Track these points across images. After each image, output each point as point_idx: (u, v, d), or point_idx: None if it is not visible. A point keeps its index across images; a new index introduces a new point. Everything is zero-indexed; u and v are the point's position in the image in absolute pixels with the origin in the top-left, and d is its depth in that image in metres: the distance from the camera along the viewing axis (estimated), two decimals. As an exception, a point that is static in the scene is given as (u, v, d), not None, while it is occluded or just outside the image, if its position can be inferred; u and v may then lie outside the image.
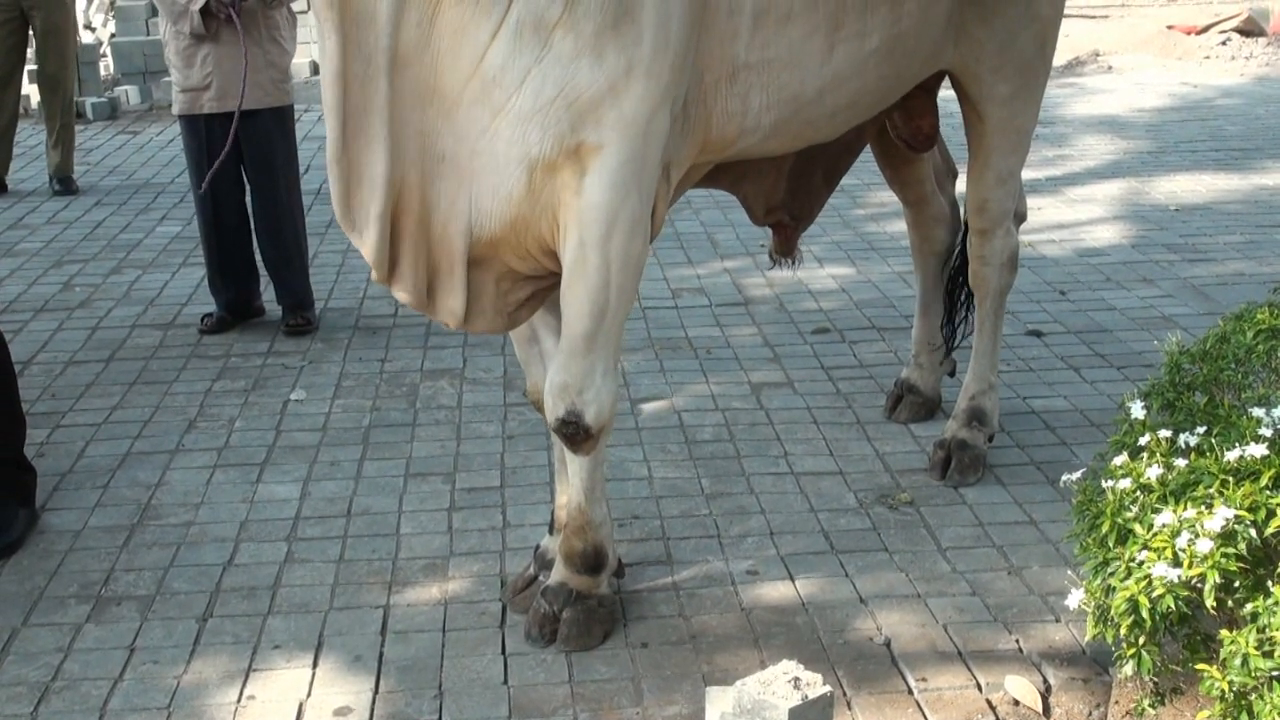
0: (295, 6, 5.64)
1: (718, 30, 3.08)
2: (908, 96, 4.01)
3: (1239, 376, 2.66)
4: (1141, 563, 2.18)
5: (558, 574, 3.37)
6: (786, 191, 4.02)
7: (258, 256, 5.78)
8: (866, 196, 7.61)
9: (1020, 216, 4.30)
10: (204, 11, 5.22)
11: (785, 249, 4.24)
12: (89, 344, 5.51)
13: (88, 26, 13.40)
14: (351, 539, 3.84)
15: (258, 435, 4.58)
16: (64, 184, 8.17)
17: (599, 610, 3.34)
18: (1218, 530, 2.12)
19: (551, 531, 3.61)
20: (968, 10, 3.70)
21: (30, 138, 9.83)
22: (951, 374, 4.61)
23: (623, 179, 2.93)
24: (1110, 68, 11.84)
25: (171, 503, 4.09)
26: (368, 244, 2.99)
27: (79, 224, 7.45)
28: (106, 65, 11.85)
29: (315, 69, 11.16)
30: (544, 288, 3.24)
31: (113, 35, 12.52)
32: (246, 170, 5.54)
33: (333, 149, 2.90)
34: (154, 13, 12.10)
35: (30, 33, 7.98)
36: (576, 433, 3.16)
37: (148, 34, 11.93)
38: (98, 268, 6.60)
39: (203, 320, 5.73)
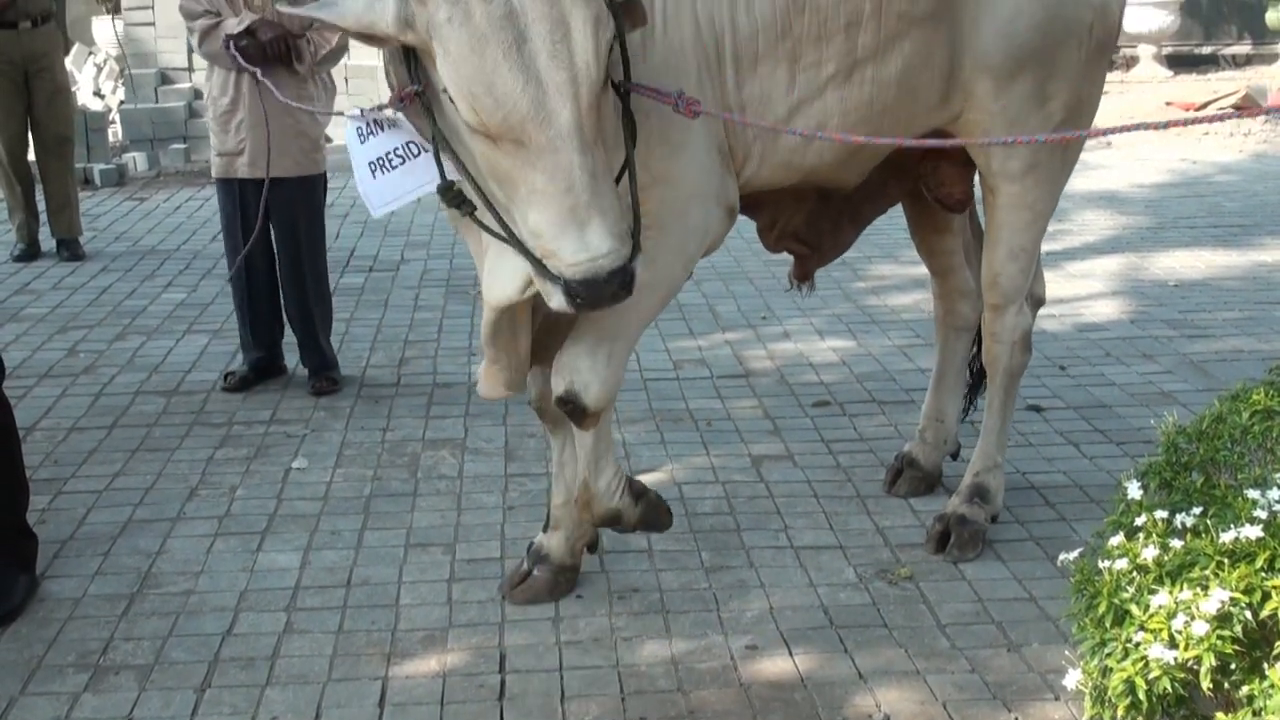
0: (335, 72, 5.75)
1: (713, 80, 3.38)
2: (938, 167, 4.08)
3: (1235, 456, 2.68)
4: (1138, 644, 2.19)
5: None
6: (803, 224, 4.08)
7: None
8: (868, 269, 7.66)
9: (1038, 300, 4.30)
10: (239, 50, 5.30)
11: (802, 275, 4.33)
12: (92, 410, 5.53)
13: (97, 93, 13.53)
14: (351, 609, 3.84)
15: (259, 503, 4.59)
16: (71, 249, 8.23)
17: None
18: (1213, 612, 2.14)
19: (546, 529, 3.95)
20: (978, 76, 3.73)
21: (37, 203, 9.90)
22: (954, 456, 4.62)
23: (660, 220, 3.26)
24: (1109, 143, 11.94)
25: (171, 571, 4.10)
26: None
27: (85, 290, 7.49)
28: (115, 132, 11.96)
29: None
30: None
31: (122, 102, 12.65)
32: (274, 235, 5.64)
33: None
34: (163, 81, 12.26)
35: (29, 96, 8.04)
36: (575, 410, 3.48)
37: (156, 101, 12.07)
38: (102, 334, 6.64)
39: (226, 378, 5.81)
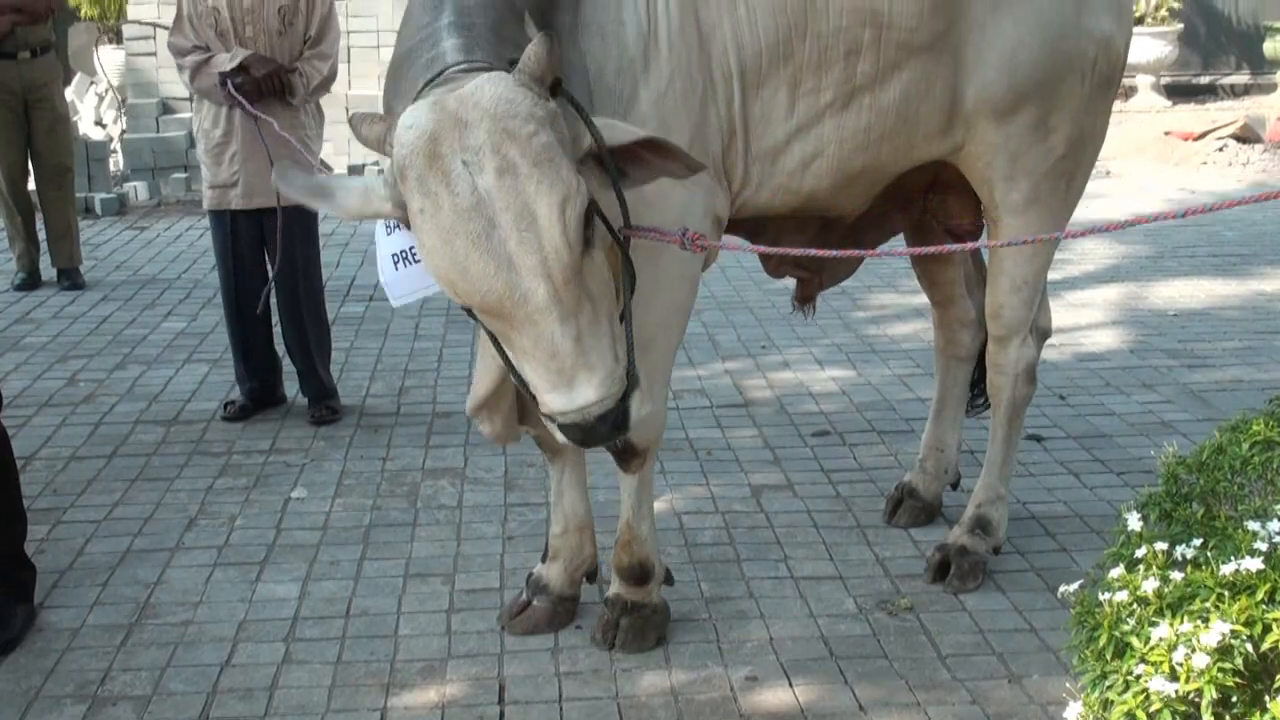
0: (336, 105, 5.78)
1: (718, 98, 3.41)
2: (945, 199, 4.11)
3: (1235, 488, 2.67)
4: (1139, 676, 2.18)
5: (613, 587, 3.83)
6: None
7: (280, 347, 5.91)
8: (867, 299, 7.67)
9: (1043, 332, 4.29)
10: (235, 87, 5.33)
11: (804, 297, 4.35)
12: (92, 439, 5.53)
13: (98, 123, 13.56)
14: (350, 640, 3.83)
15: (258, 533, 4.58)
16: (72, 278, 8.25)
17: (652, 617, 3.80)
18: (1214, 645, 2.13)
19: (544, 560, 3.97)
20: (980, 108, 3.74)
21: (39, 232, 9.91)
22: (954, 486, 4.61)
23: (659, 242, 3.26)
24: (1109, 173, 11.96)
25: (170, 601, 4.09)
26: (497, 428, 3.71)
27: (85, 319, 7.50)
28: (116, 161, 11.98)
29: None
30: None
31: (123, 132, 12.68)
32: (270, 265, 5.65)
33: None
34: (164, 110, 12.30)
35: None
36: (624, 450, 3.56)
37: (158, 131, 12.09)
38: (102, 363, 6.64)
39: (225, 408, 5.81)
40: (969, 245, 3.74)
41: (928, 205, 4.17)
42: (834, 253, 3.47)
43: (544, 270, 2.61)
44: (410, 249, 3.23)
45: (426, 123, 2.63)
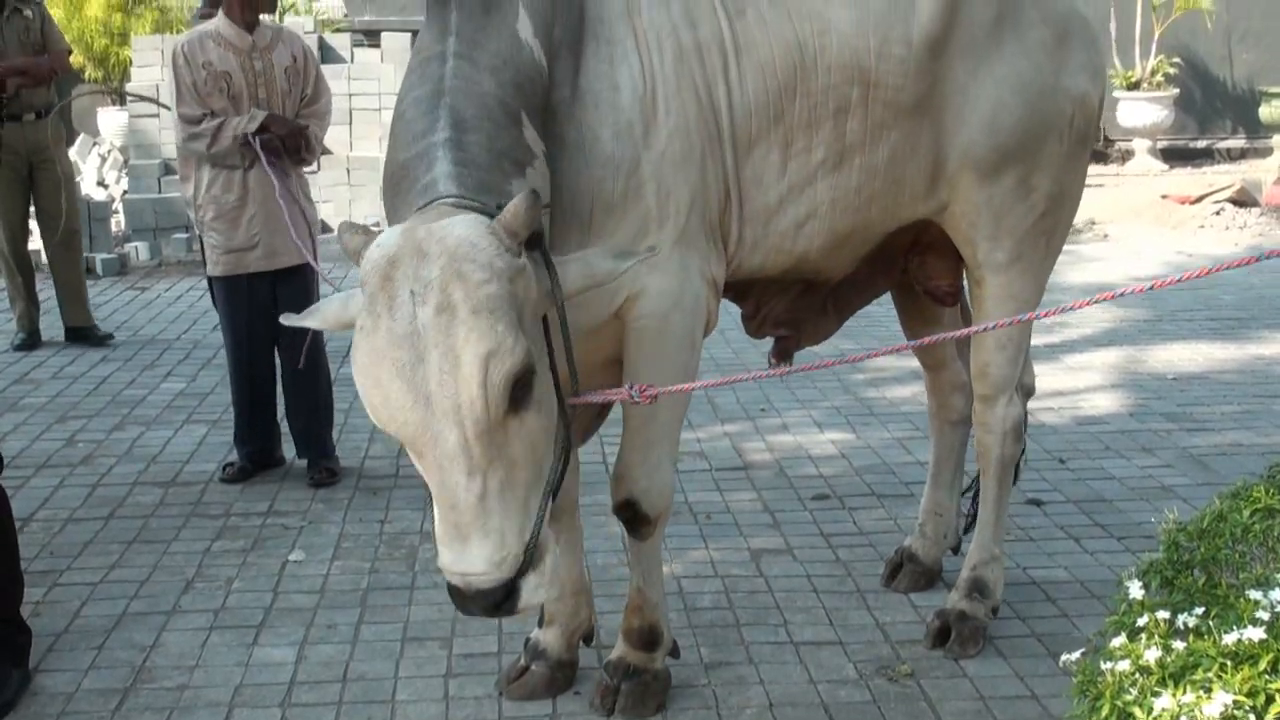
0: (338, 164, 5.86)
1: (716, 159, 3.44)
2: (925, 259, 4.12)
3: (1236, 556, 2.66)
4: (1142, 747, 2.17)
5: (618, 650, 3.79)
6: (785, 312, 4.09)
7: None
8: (865, 362, 7.67)
9: (1028, 389, 4.31)
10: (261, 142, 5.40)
11: (781, 354, 4.31)
12: (89, 501, 5.52)
13: (100, 183, 13.63)
14: (347, 705, 3.81)
15: (255, 597, 4.56)
16: (87, 335, 8.30)
17: (653, 684, 3.76)
18: (1217, 715, 2.11)
19: (541, 624, 3.94)
20: (963, 168, 3.77)
21: (40, 291, 9.93)
22: (955, 550, 4.60)
23: (660, 307, 3.38)
24: (1106, 236, 12.01)
25: (166, 665, 4.07)
26: None
27: (84, 379, 7.50)
28: (117, 222, 12.03)
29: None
30: (595, 415, 3.73)
31: (125, 192, 12.74)
32: (279, 326, 5.64)
33: None
34: (167, 171, 12.36)
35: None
36: (635, 518, 3.56)
37: (160, 191, 12.15)
38: (101, 424, 6.64)
39: (224, 469, 5.81)
40: (970, 330, 3.80)
41: (908, 266, 4.20)
42: (870, 352, 3.41)
43: (457, 417, 2.60)
44: None
45: (392, 246, 2.66)
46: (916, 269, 4.18)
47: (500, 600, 2.71)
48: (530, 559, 2.72)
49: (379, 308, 2.63)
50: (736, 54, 3.43)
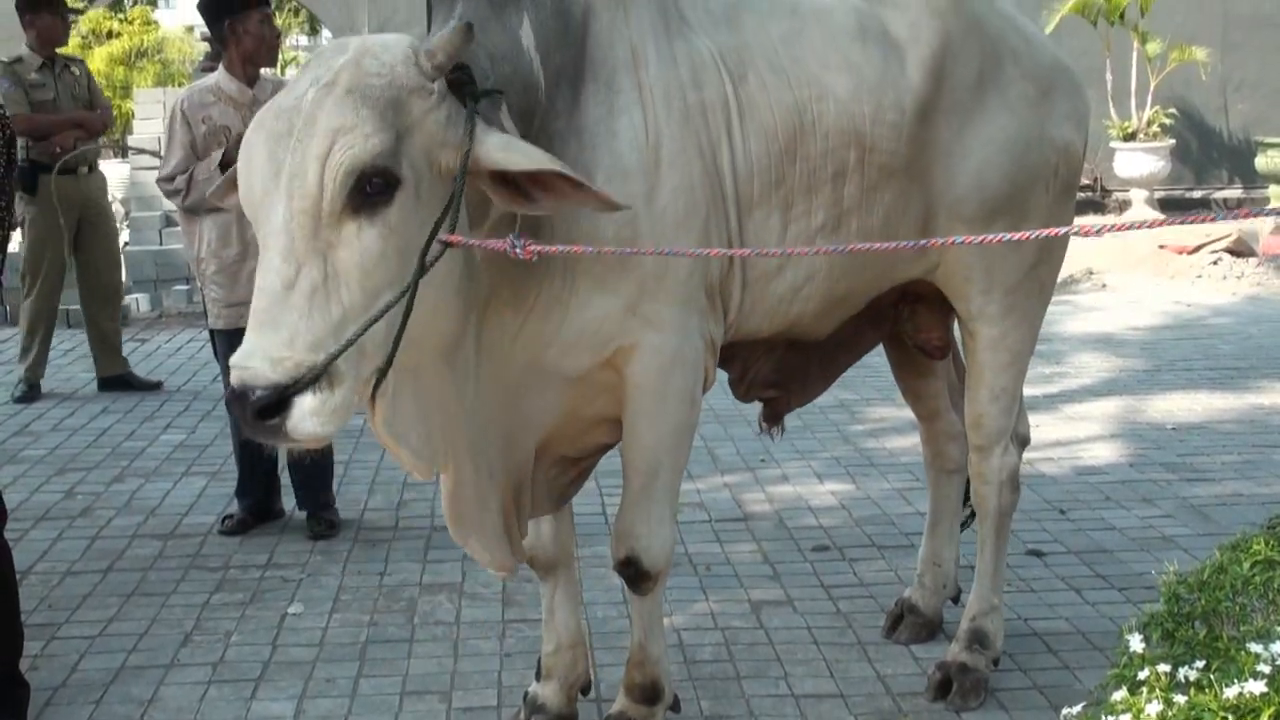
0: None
1: (719, 220, 3.42)
2: (915, 312, 4.12)
3: (1237, 608, 2.66)
4: (1144, 801, 2.16)
5: (619, 704, 3.77)
6: (773, 373, 4.10)
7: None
8: (865, 412, 7.68)
9: (1023, 439, 4.32)
10: (223, 164, 5.41)
11: (772, 418, 4.33)
12: (88, 554, 5.51)
13: (102, 235, 13.68)
14: (345, 760, 3.79)
15: (254, 650, 4.55)
16: (129, 381, 8.39)
17: None
18: (1219, 769, 2.11)
19: (539, 678, 3.92)
20: (954, 227, 3.80)
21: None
22: (955, 601, 4.59)
23: (659, 364, 3.35)
24: (1104, 285, 12.05)
25: (164, 719, 4.04)
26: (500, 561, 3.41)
27: (84, 431, 7.50)
28: (118, 273, 12.05)
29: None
30: (589, 466, 3.69)
31: (125, 244, 12.77)
32: None
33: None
34: (167, 223, 12.41)
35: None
36: (636, 574, 3.54)
37: (160, 244, 12.19)
38: (100, 476, 6.63)
39: (223, 521, 5.80)
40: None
41: (898, 319, 4.21)
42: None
43: (289, 188, 2.58)
44: None
45: (332, 42, 2.75)
46: (907, 323, 4.21)
47: (267, 406, 2.51)
48: (317, 378, 2.54)
49: (292, 80, 2.71)
50: (740, 117, 3.44)
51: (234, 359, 2.54)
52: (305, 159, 2.57)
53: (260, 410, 2.51)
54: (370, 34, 2.74)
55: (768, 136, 3.46)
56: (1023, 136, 3.83)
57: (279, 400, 2.52)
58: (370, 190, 2.61)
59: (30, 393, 8.26)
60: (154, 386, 8.49)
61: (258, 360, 2.52)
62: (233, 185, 2.94)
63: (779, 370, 4.08)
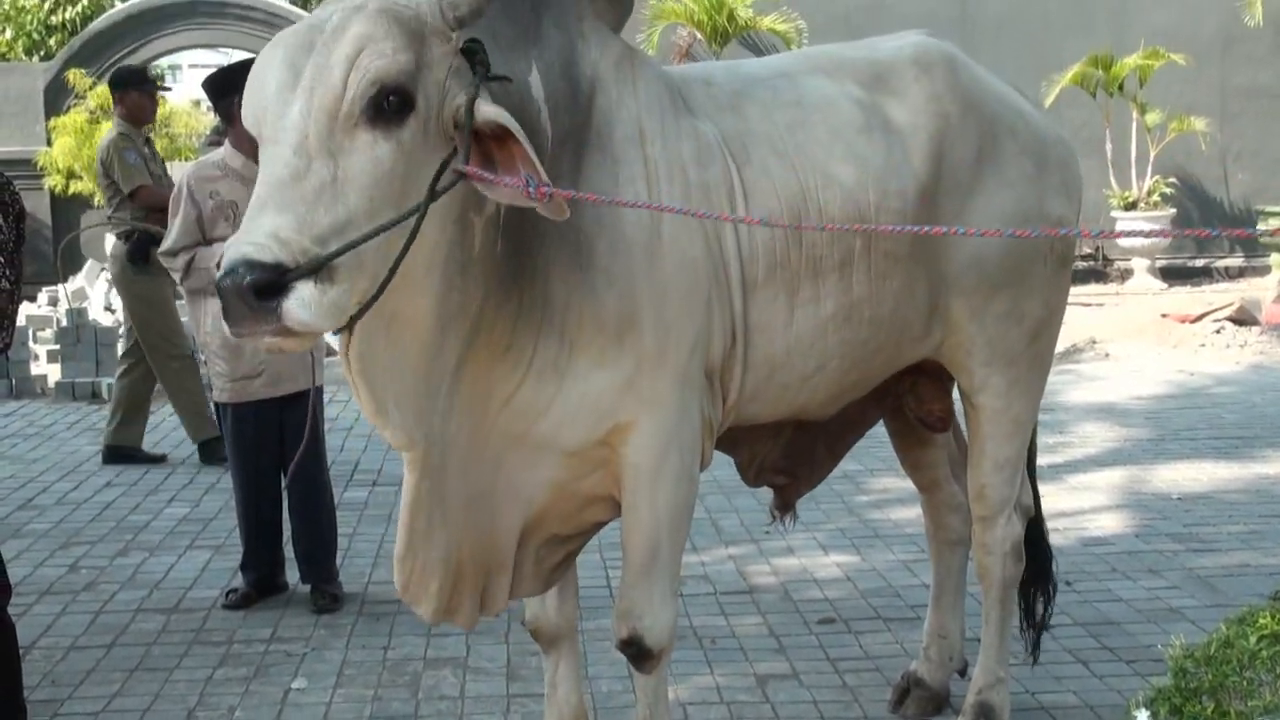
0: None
1: (722, 300, 3.43)
2: (916, 384, 4.13)
3: (1244, 683, 2.65)
4: None
5: None
6: (781, 457, 4.10)
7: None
8: (870, 483, 7.67)
9: (1026, 508, 4.31)
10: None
11: (783, 505, 4.33)
12: (92, 628, 5.49)
13: (107, 308, 13.73)
14: (349, 838, 3.76)
15: (257, 726, 4.53)
16: (136, 455, 8.46)
17: None
18: (1229, 847, 2.10)
19: None
20: (955, 304, 3.83)
21: (45, 416, 9.98)
22: (962, 674, 4.56)
23: (657, 443, 3.33)
24: (1107, 355, 12.06)
25: (167, 797, 4.03)
26: (428, 609, 3.30)
27: (88, 505, 7.50)
28: (124, 346, 12.06)
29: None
30: (578, 547, 3.64)
31: (131, 317, 12.82)
32: (285, 452, 5.68)
33: (403, 547, 3.25)
34: (175, 297, 12.45)
35: None
36: (639, 653, 3.50)
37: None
38: (104, 549, 6.63)
39: (226, 596, 5.80)
40: None
41: (900, 392, 4.23)
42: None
43: (309, 85, 2.62)
44: None
45: None
46: (909, 396, 4.22)
47: (268, 284, 2.46)
48: (318, 269, 2.52)
49: (314, 9, 2.75)
50: (744, 199, 3.46)
51: (234, 237, 2.52)
52: (331, 59, 2.64)
53: (259, 288, 2.47)
54: None
55: (770, 218, 3.48)
56: (1021, 212, 3.86)
57: (278, 282, 2.49)
58: (386, 107, 2.66)
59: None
60: (159, 459, 8.50)
61: (263, 237, 2.50)
62: None
63: (787, 455, 4.09)
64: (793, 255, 3.52)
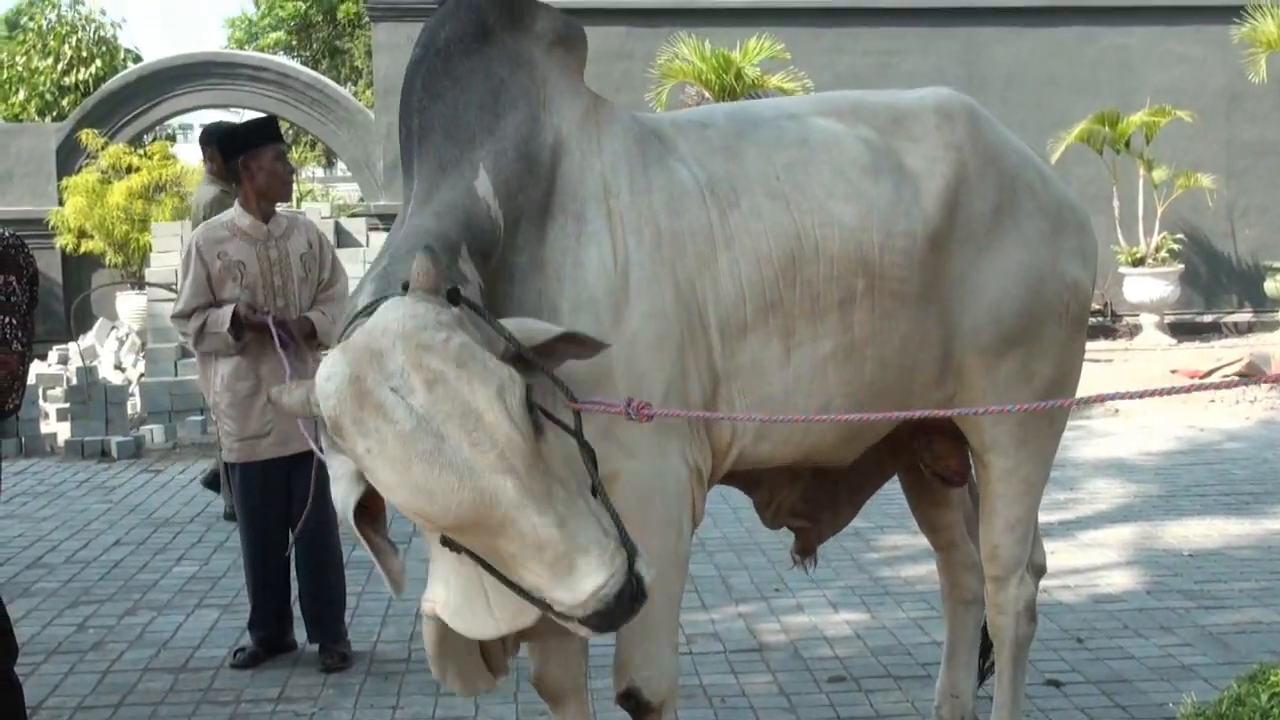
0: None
1: (697, 346, 3.42)
2: (932, 440, 4.13)
3: (1257, 741, 2.64)
4: None
5: None
6: (800, 501, 4.11)
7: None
8: (879, 540, 7.65)
9: (1039, 568, 4.30)
10: (234, 323, 5.48)
11: (804, 549, 4.32)
12: (99, 688, 5.48)
13: (118, 367, 13.79)
14: None
15: (265, 786, 4.50)
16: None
17: None
18: None
19: None
20: (969, 357, 3.83)
21: (55, 475, 9.99)
22: None
23: (639, 492, 3.30)
24: (1116, 411, 12.04)
25: None
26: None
27: (96, 564, 7.50)
28: (133, 404, 12.13)
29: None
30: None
31: (141, 375, 12.88)
32: (294, 511, 5.68)
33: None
34: (183, 354, 12.51)
35: None
36: (638, 706, 3.48)
37: (176, 375, 12.28)
38: (112, 609, 6.62)
39: (234, 655, 5.78)
40: None
41: (915, 447, 4.23)
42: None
43: (505, 464, 2.61)
44: None
45: (342, 367, 2.67)
46: (924, 449, 4.21)
47: (638, 592, 2.70)
48: (628, 544, 2.72)
49: (371, 424, 2.62)
50: (727, 244, 3.48)
51: (580, 594, 2.66)
52: (499, 434, 2.62)
53: (635, 599, 2.71)
54: (362, 328, 2.75)
55: (761, 262, 3.50)
56: (1037, 270, 3.88)
57: (637, 577, 2.72)
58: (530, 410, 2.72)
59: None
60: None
61: (601, 574, 2.66)
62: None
63: (806, 500, 4.09)
64: (786, 297, 3.53)
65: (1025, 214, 3.89)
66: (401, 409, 2.61)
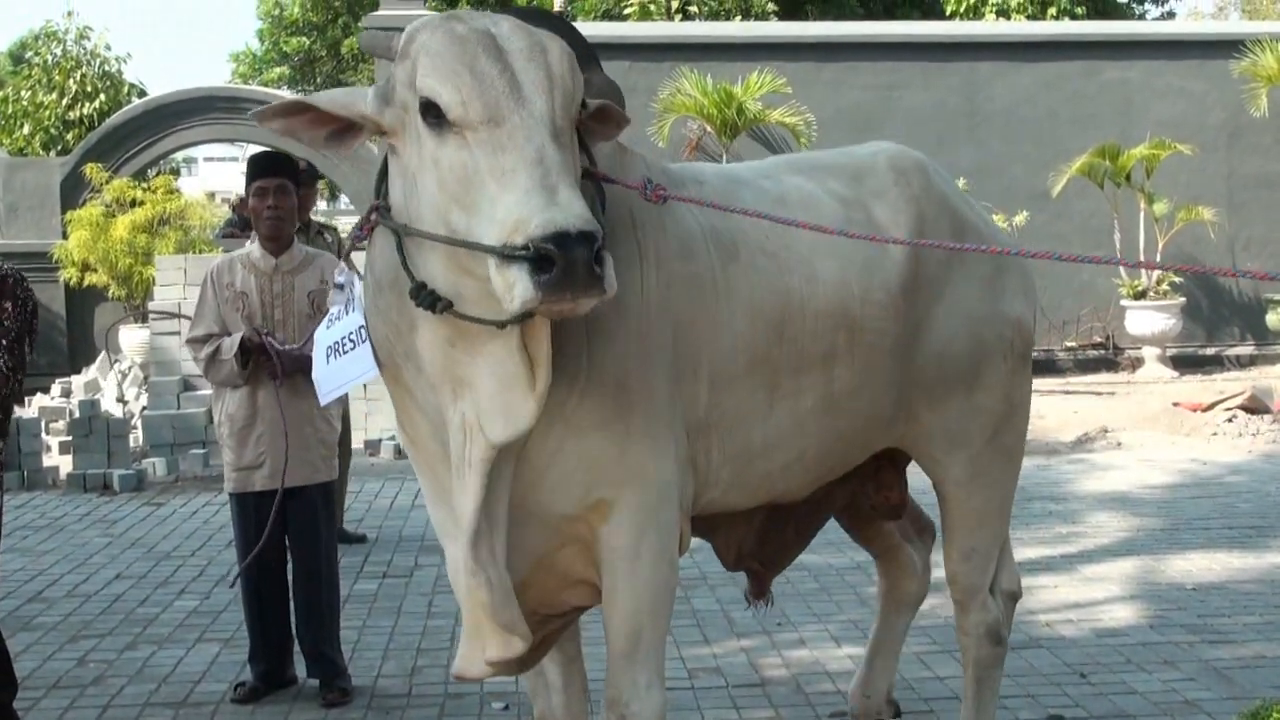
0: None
1: (685, 395, 3.45)
2: (879, 469, 4.21)
3: (1260, 777, 2.63)
4: None
5: None
6: (756, 542, 4.18)
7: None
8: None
9: (1009, 594, 4.42)
10: (242, 349, 5.48)
11: (758, 592, 4.43)
12: (99, 723, 5.46)
13: (120, 400, 13.79)
14: None
15: (264, 822, 4.48)
16: (348, 537, 8.42)
17: None
18: None
19: None
20: (916, 395, 3.94)
21: (57, 508, 9.98)
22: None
23: (635, 524, 3.35)
24: (1119, 444, 12.03)
25: None
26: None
27: (97, 598, 7.48)
28: (135, 437, 12.14)
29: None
30: (556, 629, 3.63)
31: (144, 408, 12.88)
32: (290, 545, 5.68)
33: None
34: (186, 387, 12.52)
35: None
36: None
37: (178, 408, 12.28)
38: (113, 643, 6.60)
39: (235, 689, 5.76)
40: None
41: (860, 475, 4.27)
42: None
43: (548, 85, 2.84)
44: (343, 340, 3.32)
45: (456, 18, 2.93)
46: (869, 479, 4.31)
47: (598, 255, 2.69)
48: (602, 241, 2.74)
49: (457, 27, 2.90)
50: (728, 294, 3.52)
51: (548, 211, 2.68)
52: (556, 67, 2.90)
53: (596, 261, 2.68)
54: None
55: (755, 315, 3.55)
56: (980, 310, 4.02)
57: (600, 253, 2.71)
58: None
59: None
60: (359, 539, 8.57)
61: (583, 210, 2.71)
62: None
63: (760, 540, 4.16)
64: (774, 352, 3.59)
65: (971, 257, 4.01)
66: (482, 28, 2.90)
